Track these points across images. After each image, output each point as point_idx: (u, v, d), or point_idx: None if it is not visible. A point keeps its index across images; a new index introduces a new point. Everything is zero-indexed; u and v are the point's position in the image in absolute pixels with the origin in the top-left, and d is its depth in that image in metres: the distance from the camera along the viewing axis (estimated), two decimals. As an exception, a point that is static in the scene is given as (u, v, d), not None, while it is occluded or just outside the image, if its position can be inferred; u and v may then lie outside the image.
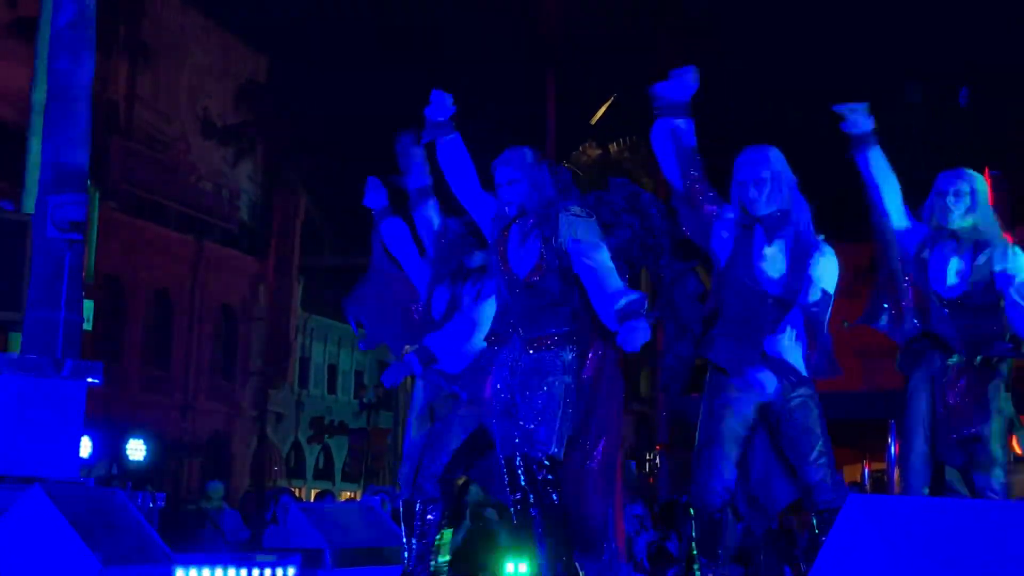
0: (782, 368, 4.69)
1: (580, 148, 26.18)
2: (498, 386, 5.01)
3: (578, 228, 4.90)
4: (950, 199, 5.19)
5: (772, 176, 4.85)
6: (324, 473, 34.92)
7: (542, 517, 4.81)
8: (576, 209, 4.99)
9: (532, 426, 4.84)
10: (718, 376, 4.91)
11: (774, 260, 4.85)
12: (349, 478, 34.00)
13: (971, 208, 5.18)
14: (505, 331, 5.02)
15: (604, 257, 4.87)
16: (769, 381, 4.68)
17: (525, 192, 4.98)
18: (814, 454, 4.78)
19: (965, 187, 5.20)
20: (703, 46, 24.38)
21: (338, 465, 35.17)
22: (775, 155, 4.91)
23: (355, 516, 7.42)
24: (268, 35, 28.53)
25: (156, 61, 27.33)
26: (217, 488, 13.13)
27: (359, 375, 36.04)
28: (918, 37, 21.24)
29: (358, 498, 23.78)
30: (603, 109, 25.32)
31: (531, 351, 4.92)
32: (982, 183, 5.24)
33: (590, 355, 5.05)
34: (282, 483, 28.19)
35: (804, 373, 4.74)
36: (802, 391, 4.79)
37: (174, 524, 11.72)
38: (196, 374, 28.53)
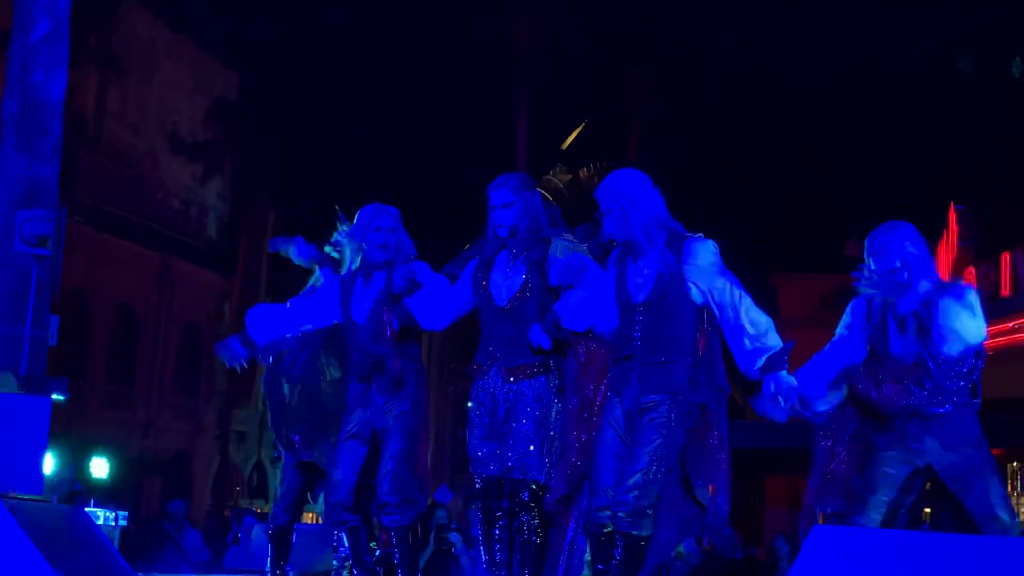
0: None
1: (550, 172, 26.24)
2: (480, 411, 5.03)
3: (566, 251, 4.97)
4: None
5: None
6: (287, 494, 34.61)
7: (521, 544, 4.83)
8: (568, 237, 5.05)
9: (516, 453, 4.87)
10: None
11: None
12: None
13: None
14: (486, 360, 5.04)
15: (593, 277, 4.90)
16: None
17: (518, 215, 5.06)
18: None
19: None
20: (676, 71, 24.56)
21: (301, 486, 34.87)
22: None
23: (318, 538, 7.37)
24: (239, 52, 28.48)
25: (126, 75, 27.20)
26: (179, 507, 13.01)
27: (323, 396, 35.76)
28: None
29: (321, 520, 23.61)
30: (574, 134, 25.41)
31: (512, 380, 4.94)
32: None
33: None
34: (244, 503, 27.96)
35: None
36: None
37: (136, 543, 11.63)
38: (160, 392, 28.31)
